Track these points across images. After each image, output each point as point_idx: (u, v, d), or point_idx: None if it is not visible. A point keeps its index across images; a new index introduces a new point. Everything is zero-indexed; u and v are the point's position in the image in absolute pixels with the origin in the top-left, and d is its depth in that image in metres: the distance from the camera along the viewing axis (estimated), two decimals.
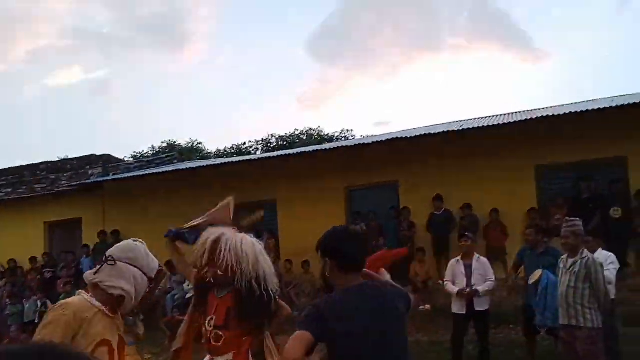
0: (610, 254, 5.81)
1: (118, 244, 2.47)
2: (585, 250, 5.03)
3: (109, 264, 2.29)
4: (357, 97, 49.74)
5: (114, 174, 13.66)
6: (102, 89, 49.46)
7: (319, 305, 2.27)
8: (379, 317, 2.21)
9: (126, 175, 12.91)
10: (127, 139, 52.96)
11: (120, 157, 16.92)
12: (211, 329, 2.82)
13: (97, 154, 15.09)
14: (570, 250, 5.02)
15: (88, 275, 2.35)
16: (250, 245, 2.90)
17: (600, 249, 5.82)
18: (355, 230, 2.58)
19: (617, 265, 5.85)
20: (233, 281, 2.80)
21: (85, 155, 15.04)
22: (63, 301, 2.25)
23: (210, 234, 2.92)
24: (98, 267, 2.33)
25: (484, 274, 6.27)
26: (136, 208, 11.74)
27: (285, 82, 53.61)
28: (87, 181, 13.04)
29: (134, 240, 2.46)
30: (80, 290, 2.33)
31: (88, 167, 14.60)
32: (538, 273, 5.77)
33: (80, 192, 12.76)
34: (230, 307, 2.81)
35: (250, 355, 2.82)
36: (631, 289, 7.35)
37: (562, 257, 5.18)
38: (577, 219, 5.16)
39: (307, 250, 10.42)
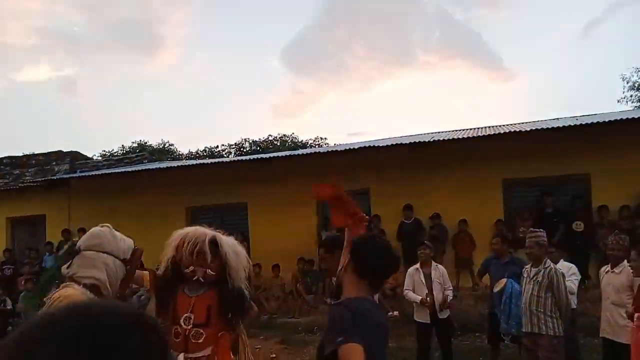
0: (572, 265, 6.02)
1: (85, 235, 2.40)
2: (549, 261, 5.20)
3: (77, 255, 2.28)
4: (331, 108, 50.08)
5: (81, 171, 13.35)
6: (71, 88, 48.57)
7: (351, 310, 2.07)
8: (385, 339, 2.22)
9: (94, 173, 12.63)
10: (96, 138, 51.84)
11: (89, 155, 16.52)
12: (190, 327, 2.80)
13: (65, 150, 14.71)
14: (534, 260, 5.18)
15: (63, 269, 2.31)
16: (240, 246, 2.98)
17: (562, 260, 6.02)
18: (394, 251, 2.37)
19: (579, 276, 6.06)
20: (218, 280, 2.84)
21: (52, 151, 14.61)
22: (63, 293, 2.17)
23: (197, 232, 2.87)
24: (70, 261, 2.29)
25: (442, 282, 6.40)
26: (103, 207, 11.48)
27: (259, 89, 53.53)
28: (52, 177, 12.70)
29: (100, 226, 2.39)
30: (69, 283, 2.25)
31: (54, 163, 14.22)
32: (503, 282, 5.92)
33: (45, 188, 12.43)
34: (211, 305, 2.83)
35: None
36: (591, 301, 7.59)
37: (526, 266, 5.34)
38: (541, 230, 5.34)
39: (278, 254, 10.52)
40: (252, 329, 9.01)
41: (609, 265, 4.96)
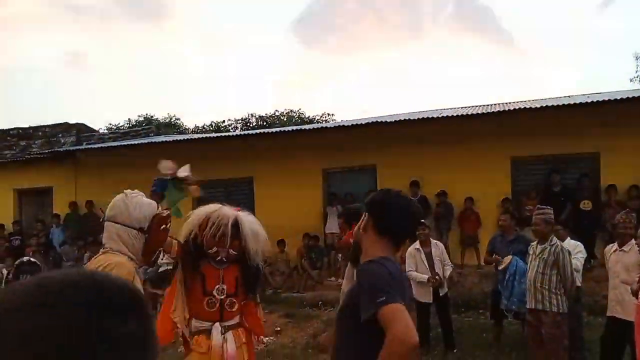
0: (578, 243, 5.99)
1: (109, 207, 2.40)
2: (555, 238, 5.18)
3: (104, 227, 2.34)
4: (339, 83, 49.59)
5: (87, 144, 13.36)
6: (78, 59, 48.17)
7: (390, 269, 1.86)
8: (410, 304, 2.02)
9: (100, 146, 12.64)
10: (102, 111, 51.81)
11: (95, 128, 16.51)
12: (224, 296, 3.01)
13: (71, 122, 14.70)
14: (540, 237, 5.17)
15: (104, 240, 2.36)
16: (259, 225, 3.19)
17: (569, 238, 5.99)
18: (416, 204, 2.14)
19: (585, 255, 6.03)
20: (238, 257, 3.07)
21: (58, 123, 14.62)
22: (116, 260, 2.18)
23: (221, 214, 3.02)
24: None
25: (442, 259, 6.42)
26: (109, 180, 11.49)
27: (266, 63, 53.01)
28: (59, 149, 12.73)
29: (121, 194, 2.37)
30: (111, 249, 2.27)
31: (60, 135, 14.24)
32: (508, 259, 5.91)
33: (52, 160, 12.45)
34: (237, 277, 3.08)
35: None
36: (596, 280, 7.58)
37: (532, 243, 5.33)
38: (548, 207, 5.31)
39: (283, 228, 10.54)
40: None
41: (616, 244, 4.91)
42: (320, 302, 8.82)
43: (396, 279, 1.84)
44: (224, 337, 2.98)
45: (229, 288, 3.05)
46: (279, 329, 7.81)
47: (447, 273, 6.36)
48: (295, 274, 9.98)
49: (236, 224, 3.02)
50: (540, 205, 5.55)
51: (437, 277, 6.21)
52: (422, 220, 6.59)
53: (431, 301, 6.24)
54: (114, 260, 2.19)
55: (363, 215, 2.04)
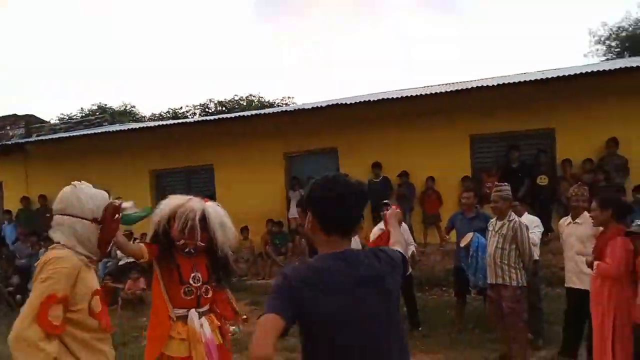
0: (535, 217, 6.10)
1: (58, 200, 2.35)
2: (513, 214, 5.26)
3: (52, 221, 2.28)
4: (299, 66, 49.17)
5: (37, 135, 12.79)
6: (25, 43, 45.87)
7: (288, 274, 1.73)
8: (364, 296, 1.73)
9: (51, 137, 12.11)
10: (52, 101, 49.82)
11: (46, 119, 15.81)
12: (199, 284, 3.14)
13: (19, 114, 14.03)
14: (499, 213, 5.23)
15: (60, 239, 2.27)
16: (227, 216, 3.29)
17: (526, 213, 6.10)
18: (351, 183, 1.83)
19: (542, 229, 6.16)
20: (206, 247, 3.19)
21: (6, 115, 13.95)
22: (57, 255, 2.14)
23: (188, 208, 3.10)
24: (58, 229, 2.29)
25: (406, 238, 6.44)
26: (62, 173, 11.03)
27: (225, 47, 51.97)
28: (7, 142, 12.13)
29: (70, 186, 2.34)
30: (59, 244, 2.23)
31: (9, 128, 13.58)
32: (469, 236, 5.97)
33: (0, 154, 11.87)
34: (207, 265, 3.23)
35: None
36: (553, 253, 7.79)
37: (492, 220, 5.40)
38: (506, 184, 5.38)
39: (246, 215, 10.40)
40: None
41: (570, 217, 5.02)
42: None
43: (310, 280, 1.69)
44: (200, 322, 3.10)
45: (203, 276, 3.18)
46: (245, 316, 7.64)
47: (410, 252, 6.39)
48: (259, 261, 9.89)
49: (204, 217, 3.11)
50: (497, 183, 5.62)
51: None
52: (386, 201, 6.58)
53: None
54: (56, 254, 2.14)
55: (306, 215, 1.85)
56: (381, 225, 6.46)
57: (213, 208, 3.22)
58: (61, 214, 2.26)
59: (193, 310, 3.09)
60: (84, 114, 23.08)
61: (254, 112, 12.67)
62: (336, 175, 1.86)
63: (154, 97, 50.81)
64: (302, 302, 1.67)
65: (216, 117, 12.24)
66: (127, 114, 23.33)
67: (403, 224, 6.61)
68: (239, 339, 6.75)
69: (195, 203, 3.16)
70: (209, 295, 3.19)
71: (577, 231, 4.88)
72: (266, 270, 9.71)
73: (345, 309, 1.69)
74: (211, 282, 3.22)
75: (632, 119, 8.68)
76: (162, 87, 50.01)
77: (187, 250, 3.13)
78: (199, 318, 3.11)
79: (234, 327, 7.36)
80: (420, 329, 6.45)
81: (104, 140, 11.41)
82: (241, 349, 6.28)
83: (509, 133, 9.44)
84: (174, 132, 11.04)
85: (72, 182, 2.36)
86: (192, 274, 3.13)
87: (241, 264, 9.98)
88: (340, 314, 1.69)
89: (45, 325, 1.97)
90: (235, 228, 10.87)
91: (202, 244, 3.15)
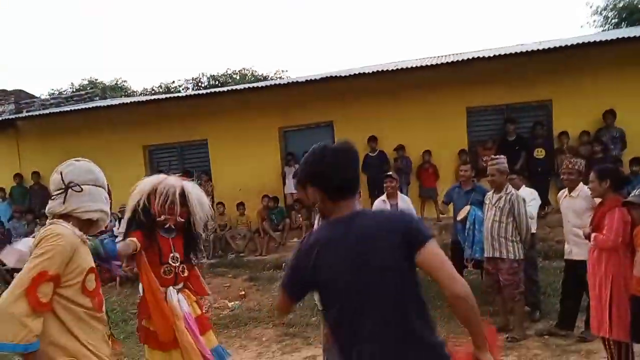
0: (532, 190, 6.10)
1: (70, 168, 2.30)
2: (510, 187, 5.25)
3: (75, 191, 2.23)
4: (293, 38, 48.48)
5: (28, 111, 12.58)
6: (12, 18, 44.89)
7: (298, 249, 1.87)
8: (363, 262, 1.72)
9: (42, 112, 11.92)
10: (43, 76, 49.04)
11: (36, 94, 15.54)
12: (177, 263, 3.29)
13: (8, 89, 13.77)
14: (495, 186, 5.22)
15: (55, 207, 2.23)
16: (203, 194, 3.43)
17: (523, 186, 6.09)
18: (340, 147, 1.85)
19: (539, 202, 6.16)
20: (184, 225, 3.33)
21: None
22: (54, 230, 2.10)
23: (168, 184, 3.23)
24: (58, 198, 2.23)
25: (407, 208, 6.42)
26: (55, 148, 10.91)
27: (216, 19, 51.08)
28: None
29: (76, 161, 2.33)
30: (57, 220, 2.20)
31: None
32: (466, 209, 5.97)
33: None
34: (183, 245, 3.37)
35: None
36: (550, 226, 7.82)
37: (488, 193, 5.38)
38: (502, 156, 5.36)
39: (242, 191, 10.34)
40: (219, 268, 9.00)
41: (567, 190, 5.00)
42: (283, 264, 8.78)
43: (312, 251, 1.76)
44: (177, 298, 3.27)
45: (180, 255, 3.33)
46: (243, 292, 7.75)
47: None
48: (256, 237, 9.88)
49: (183, 193, 3.24)
50: (494, 156, 5.58)
51: None
52: (389, 173, 6.57)
53: None
54: (54, 230, 2.11)
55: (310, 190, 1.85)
56: (383, 197, 6.45)
57: (190, 185, 3.36)
58: (94, 185, 2.30)
59: (171, 288, 3.26)
60: (74, 89, 22.72)
61: (248, 85, 12.48)
62: (322, 144, 1.88)
63: (145, 72, 50.07)
64: (304, 276, 1.82)
65: (210, 91, 12.07)
66: (118, 89, 22.98)
67: (406, 197, 6.60)
68: (238, 315, 6.81)
69: (173, 180, 3.29)
70: (185, 274, 3.36)
71: (574, 205, 4.87)
72: (263, 246, 9.71)
73: (344, 274, 1.73)
74: (186, 260, 3.38)
75: (629, 90, 8.62)
76: (153, 61, 49.31)
77: (167, 226, 3.26)
78: (176, 295, 3.29)
79: (233, 303, 7.43)
80: None
81: (96, 115, 11.24)
82: (239, 325, 6.33)
83: (505, 105, 9.36)
84: (167, 106, 10.88)
85: (77, 159, 2.34)
86: (171, 254, 3.28)
87: (238, 240, 9.98)
88: (338, 280, 1.74)
89: (33, 302, 1.94)
90: (231, 204, 10.87)
91: (182, 220, 3.28)
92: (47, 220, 2.25)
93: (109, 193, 2.44)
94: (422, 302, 1.79)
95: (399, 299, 1.73)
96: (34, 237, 2.21)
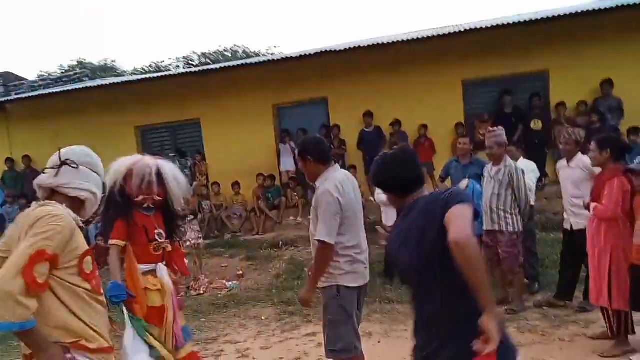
0: (531, 162, 6.04)
1: (68, 149, 2.25)
2: (509, 159, 5.19)
3: (72, 167, 2.17)
4: (284, 14, 47.73)
5: (16, 94, 12.36)
6: None
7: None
8: (417, 242, 1.93)
9: (32, 95, 11.71)
10: (31, 58, 48.22)
11: (24, 76, 15.26)
12: (163, 240, 3.31)
13: None
14: (494, 159, 5.16)
15: (46, 179, 2.16)
16: (180, 172, 3.42)
17: (522, 158, 6.03)
18: (396, 154, 2.20)
19: (537, 174, 6.11)
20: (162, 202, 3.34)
21: None
22: (51, 211, 2.03)
23: (144, 164, 3.23)
24: (51, 172, 2.16)
25: None
26: (46, 131, 10.76)
27: None
28: None
29: (81, 147, 2.32)
30: (48, 202, 2.11)
31: None
32: (464, 183, 5.90)
33: None
34: (162, 223, 3.37)
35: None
36: (548, 198, 7.78)
37: (487, 166, 5.32)
38: (500, 128, 5.27)
39: (237, 170, 10.23)
40: (216, 248, 8.96)
41: (565, 160, 4.94)
42: (280, 243, 8.75)
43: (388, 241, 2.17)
44: (166, 275, 3.32)
45: (164, 232, 3.35)
46: (241, 272, 7.72)
47: None
48: (252, 216, 9.82)
49: (159, 172, 3.24)
50: (491, 128, 5.49)
51: None
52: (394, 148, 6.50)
53: None
54: (52, 211, 2.04)
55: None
56: None
57: (166, 163, 3.37)
58: (91, 170, 2.26)
59: (160, 264, 3.29)
60: (63, 71, 22.35)
61: (240, 62, 12.26)
62: (382, 154, 2.23)
63: (134, 51, 49.25)
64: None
65: (201, 68, 11.86)
66: (107, 70, 22.63)
67: None
68: (237, 294, 6.79)
69: (149, 159, 3.29)
70: (170, 250, 3.39)
71: (572, 175, 4.82)
72: (260, 226, 9.66)
73: (402, 258, 2.01)
74: (169, 237, 3.40)
75: (627, 58, 8.51)
76: (143, 41, 48.51)
77: (145, 206, 3.26)
78: (165, 271, 3.33)
79: (231, 283, 7.41)
80: None
81: (86, 96, 11.04)
82: (238, 304, 6.31)
83: (502, 77, 9.23)
84: (158, 86, 10.68)
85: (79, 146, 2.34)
86: (157, 231, 3.32)
87: (234, 220, 9.92)
88: (399, 263, 2.05)
89: (30, 281, 1.88)
90: (226, 183, 10.75)
91: (159, 199, 3.28)
92: (35, 203, 2.15)
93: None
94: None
95: (444, 278, 1.86)
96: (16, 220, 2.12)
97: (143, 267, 3.26)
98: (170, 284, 3.29)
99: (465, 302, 1.78)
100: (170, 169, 3.34)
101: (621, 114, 8.33)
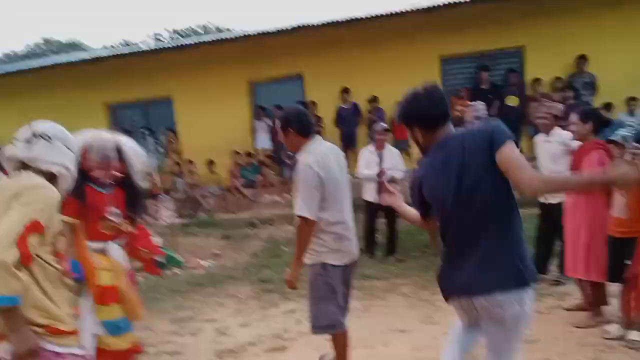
0: None
1: (40, 122, 2.17)
2: None
3: (46, 140, 2.09)
4: None
5: None
6: None
7: (413, 174, 2.43)
8: (457, 177, 2.12)
9: None
10: None
11: None
12: (118, 218, 3.12)
13: None
14: None
15: (17, 152, 2.05)
16: (139, 147, 3.28)
17: None
18: (426, 88, 2.32)
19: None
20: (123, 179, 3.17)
21: None
22: (39, 182, 1.96)
23: (102, 139, 3.06)
24: (26, 143, 2.06)
25: (395, 163, 6.38)
26: (11, 109, 10.35)
27: None
28: None
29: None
30: (30, 173, 2.02)
31: None
32: None
33: None
34: (123, 200, 3.19)
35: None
36: None
37: None
38: (480, 102, 5.24)
39: (211, 148, 10.03)
40: (191, 227, 8.81)
41: (543, 134, 4.94)
42: (257, 221, 8.65)
43: (417, 174, 2.34)
44: (119, 254, 3.17)
45: (121, 210, 3.20)
46: (218, 252, 7.61)
47: (398, 176, 6.28)
48: (228, 195, 9.67)
49: (118, 147, 3.13)
50: (472, 102, 5.46)
51: (383, 175, 6.16)
52: (384, 124, 6.72)
53: (378, 202, 6.15)
54: (39, 182, 1.96)
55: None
56: (370, 147, 6.46)
57: (125, 138, 3.26)
58: (65, 145, 2.17)
59: (110, 242, 3.13)
60: (30, 49, 21.49)
61: (213, 37, 11.93)
62: (411, 89, 2.35)
63: (102, 28, 47.73)
64: (419, 191, 2.29)
65: (173, 44, 11.52)
66: (75, 47, 21.82)
67: (394, 149, 6.55)
68: (214, 274, 6.69)
69: (106, 134, 3.16)
70: (127, 229, 3.23)
71: (550, 149, 4.82)
72: (236, 204, 9.52)
73: (440, 189, 2.17)
74: (128, 216, 3.24)
75: (603, 34, 8.56)
76: (112, 19, 46.96)
77: (103, 181, 3.12)
78: (118, 249, 3.19)
79: (207, 262, 7.29)
80: (394, 254, 6.51)
81: (54, 73, 10.63)
82: (215, 283, 6.22)
83: (479, 52, 9.21)
84: (129, 62, 10.33)
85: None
86: (109, 208, 3.16)
87: (209, 198, 9.76)
88: (437, 194, 2.21)
89: (24, 251, 1.80)
90: (201, 161, 10.54)
91: (119, 175, 3.15)
92: (16, 172, 2.03)
93: None
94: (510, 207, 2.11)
95: (488, 206, 2.07)
96: None
97: (92, 245, 3.11)
98: (122, 263, 3.17)
99: (512, 224, 2.08)
100: (129, 144, 3.22)
101: (594, 89, 8.41)
